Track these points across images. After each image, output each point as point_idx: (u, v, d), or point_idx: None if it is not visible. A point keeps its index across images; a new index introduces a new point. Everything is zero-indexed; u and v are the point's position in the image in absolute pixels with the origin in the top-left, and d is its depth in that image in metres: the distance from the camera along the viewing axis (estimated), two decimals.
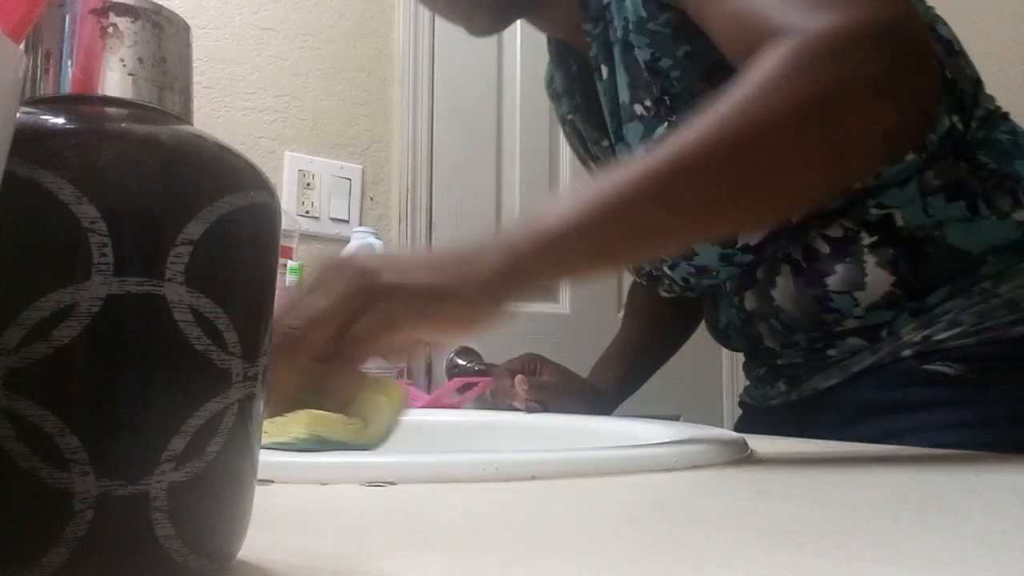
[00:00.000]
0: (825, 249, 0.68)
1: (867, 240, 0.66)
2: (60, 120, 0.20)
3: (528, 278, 0.49)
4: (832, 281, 0.68)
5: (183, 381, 0.20)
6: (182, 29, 0.23)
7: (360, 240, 1.35)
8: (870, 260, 0.66)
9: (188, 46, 0.24)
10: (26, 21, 0.19)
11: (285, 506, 0.35)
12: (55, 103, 0.21)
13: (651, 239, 0.53)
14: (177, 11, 0.23)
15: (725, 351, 1.17)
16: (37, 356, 0.19)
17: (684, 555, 0.27)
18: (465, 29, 0.78)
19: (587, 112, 0.83)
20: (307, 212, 1.50)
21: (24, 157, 0.19)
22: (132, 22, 0.22)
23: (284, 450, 0.46)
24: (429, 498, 0.37)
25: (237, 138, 1.43)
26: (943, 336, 0.65)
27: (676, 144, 0.49)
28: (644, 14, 0.67)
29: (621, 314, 1.14)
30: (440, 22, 1.52)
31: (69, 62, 0.21)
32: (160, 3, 0.22)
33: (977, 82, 0.71)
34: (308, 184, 1.51)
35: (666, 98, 0.68)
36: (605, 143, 0.80)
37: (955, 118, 0.67)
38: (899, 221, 0.66)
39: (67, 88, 0.21)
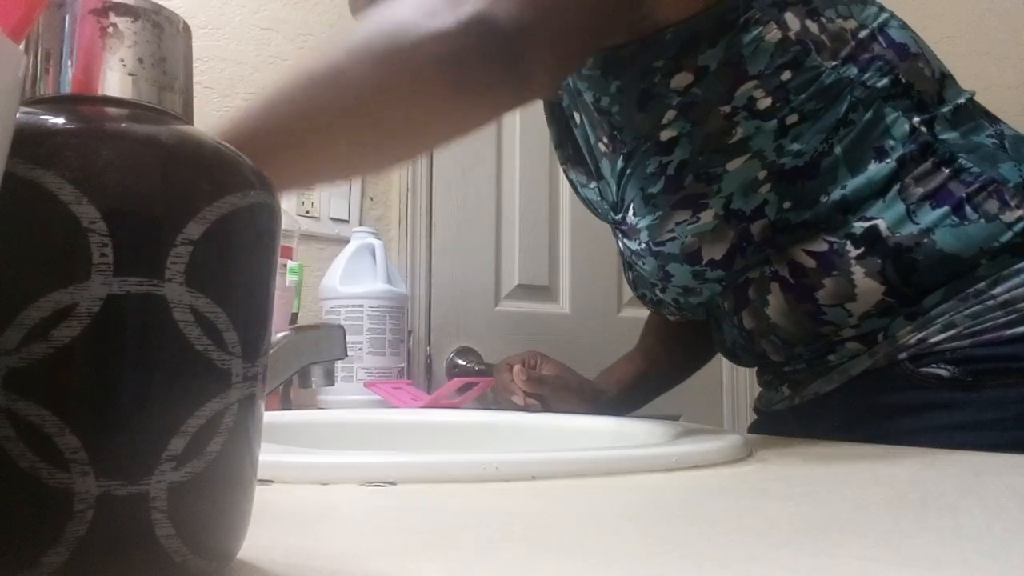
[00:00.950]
0: (811, 263, 0.68)
1: (853, 252, 0.67)
2: (60, 120, 0.20)
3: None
4: (822, 295, 0.68)
5: (183, 381, 0.20)
6: (182, 29, 0.23)
7: (360, 240, 1.35)
8: (858, 272, 0.66)
9: (188, 46, 0.24)
10: (26, 21, 0.19)
11: (285, 506, 0.35)
12: (55, 103, 0.21)
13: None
14: (177, 11, 0.23)
15: None
16: (37, 356, 0.19)
17: (684, 555, 0.27)
18: None
19: (575, 161, 0.87)
20: (307, 212, 1.50)
21: (24, 157, 0.19)
22: (132, 22, 0.22)
23: None
24: (429, 498, 0.37)
25: None
26: (938, 339, 0.65)
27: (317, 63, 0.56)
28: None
29: (621, 314, 1.14)
30: None
31: (69, 62, 0.21)
32: (160, 3, 0.22)
33: (942, 79, 0.71)
34: None
35: (616, 132, 0.72)
36: (592, 185, 0.84)
37: (915, 120, 0.67)
38: (885, 232, 0.66)
39: (67, 88, 0.21)
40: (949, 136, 0.68)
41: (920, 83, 0.69)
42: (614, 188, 0.76)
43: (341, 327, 0.99)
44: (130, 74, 0.22)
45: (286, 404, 1.08)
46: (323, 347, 0.92)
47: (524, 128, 1.73)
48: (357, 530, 0.31)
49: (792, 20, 0.67)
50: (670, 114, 0.68)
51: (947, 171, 0.67)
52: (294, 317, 1.19)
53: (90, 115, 0.21)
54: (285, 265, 1.19)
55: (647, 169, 0.71)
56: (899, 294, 0.66)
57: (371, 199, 1.59)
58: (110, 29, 0.22)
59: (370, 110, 0.56)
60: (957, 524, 0.32)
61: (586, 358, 1.06)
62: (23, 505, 0.19)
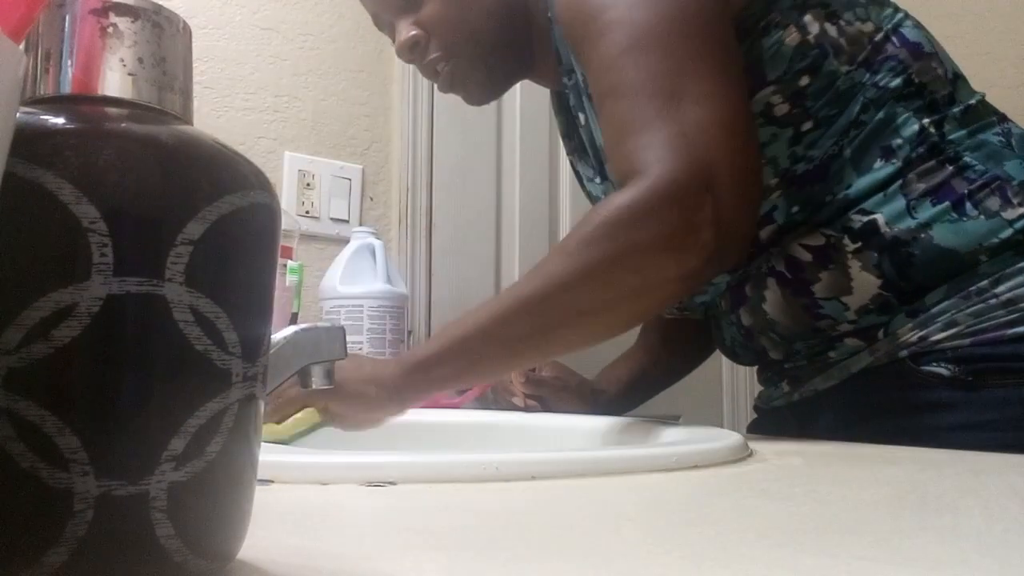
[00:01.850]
0: (807, 257, 0.68)
1: (850, 246, 0.67)
2: (60, 120, 0.20)
3: (412, 393, 0.71)
4: (818, 289, 0.68)
5: (183, 381, 0.20)
6: (182, 29, 0.23)
7: (360, 240, 1.35)
8: (854, 265, 0.67)
9: (188, 46, 0.24)
10: (26, 21, 0.19)
11: (285, 506, 0.35)
12: (55, 103, 0.21)
13: (490, 365, 0.70)
14: (177, 11, 0.23)
15: None
16: (37, 356, 0.18)
17: (684, 555, 0.27)
18: (465, 100, 0.86)
19: (581, 152, 0.87)
20: (307, 212, 1.50)
21: (24, 157, 0.19)
22: (132, 22, 0.22)
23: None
24: (429, 498, 0.37)
25: (237, 138, 1.43)
26: (939, 337, 0.65)
27: (506, 295, 0.66)
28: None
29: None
30: None
31: (69, 62, 0.21)
32: (160, 3, 0.22)
33: (954, 80, 0.71)
34: (308, 184, 1.51)
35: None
36: (597, 180, 0.84)
37: (925, 121, 0.67)
38: (882, 226, 0.66)
39: (67, 88, 0.21)
40: (957, 135, 0.68)
41: (933, 83, 0.69)
42: None
43: (341, 327, 0.98)
44: (130, 74, 0.22)
45: None
46: (323, 347, 0.92)
47: (524, 128, 1.73)
48: (357, 530, 0.31)
49: (811, 23, 0.67)
50: None
51: (951, 168, 0.67)
52: (294, 317, 1.19)
53: (90, 115, 0.21)
54: (285, 265, 1.19)
55: None
56: (896, 288, 0.66)
57: (371, 199, 1.59)
58: (110, 29, 0.22)
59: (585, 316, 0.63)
60: (957, 524, 0.32)
61: (586, 358, 1.06)
62: (23, 505, 0.19)
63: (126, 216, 0.19)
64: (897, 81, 0.67)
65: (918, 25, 0.72)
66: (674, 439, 0.59)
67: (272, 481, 0.39)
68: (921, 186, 0.66)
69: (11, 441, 0.18)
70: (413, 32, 0.80)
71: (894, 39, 0.69)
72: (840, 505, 0.37)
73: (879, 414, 0.69)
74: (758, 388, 0.89)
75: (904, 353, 0.67)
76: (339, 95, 1.58)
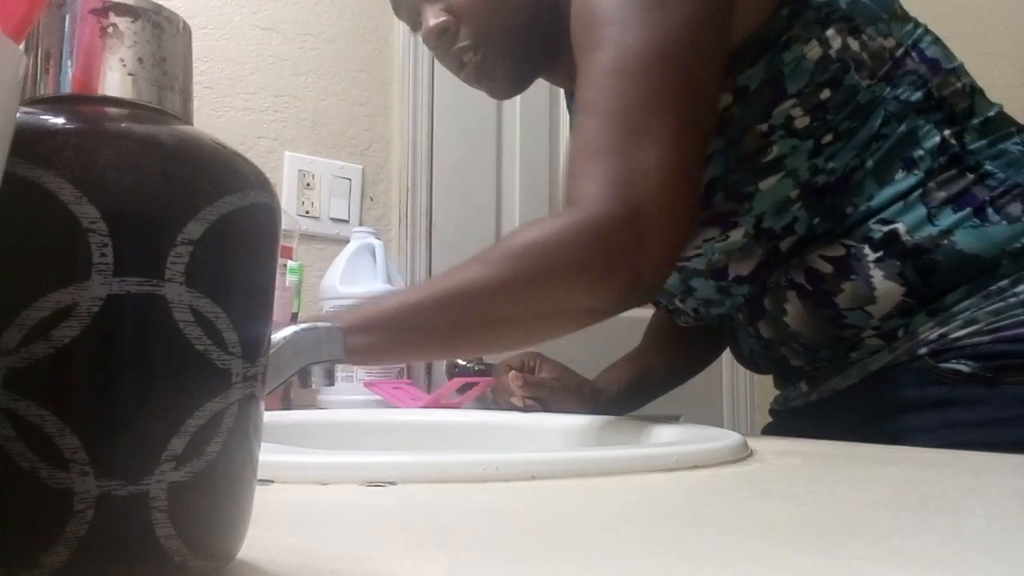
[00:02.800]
0: (827, 269, 0.68)
1: (871, 256, 0.67)
2: (60, 120, 0.20)
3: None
4: (841, 300, 0.68)
5: (183, 381, 0.20)
6: (182, 29, 0.23)
7: (360, 240, 1.35)
8: (877, 275, 0.67)
9: (188, 46, 0.24)
10: (26, 21, 0.19)
11: (285, 506, 0.35)
12: (55, 103, 0.21)
13: (406, 349, 0.72)
14: (177, 11, 0.23)
15: (725, 352, 1.17)
16: (37, 356, 0.18)
17: (684, 555, 0.27)
18: (488, 94, 0.85)
19: None
20: (307, 212, 1.50)
21: (24, 157, 0.19)
22: (132, 22, 0.22)
23: None
24: (429, 498, 0.37)
25: (237, 138, 1.43)
26: (959, 334, 0.66)
27: (427, 288, 0.69)
28: None
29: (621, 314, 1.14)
30: None
31: (69, 62, 0.21)
32: (160, 3, 0.22)
33: (972, 93, 0.71)
34: (308, 184, 1.51)
35: None
36: None
37: (946, 133, 0.68)
38: (903, 234, 0.66)
39: (67, 88, 0.21)
40: (977, 145, 0.69)
41: (952, 97, 0.70)
42: None
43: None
44: (130, 74, 0.22)
45: (286, 404, 1.08)
46: (323, 347, 0.91)
47: (524, 128, 1.73)
48: (357, 530, 0.31)
49: (834, 37, 0.67)
50: None
51: (972, 176, 0.68)
52: (294, 317, 1.19)
53: (90, 115, 0.21)
54: (285, 265, 1.19)
55: None
56: (919, 294, 0.67)
57: (371, 199, 1.59)
58: (110, 29, 0.22)
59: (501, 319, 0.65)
60: (957, 524, 0.32)
61: (586, 358, 1.06)
62: (23, 505, 0.19)
63: (126, 216, 0.19)
64: (918, 95, 0.68)
65: (937, 41, 0.73)
66: (674, 439, 0.59)
67: (272, 481, 0.39)
68: (942, 194, 0.67)
69: (11, 441, 0.18)
70: (443, 18, 0.78)
71: (913, 55, 0.70)
72: (840, 505, 0.37)
73: (898, 411, 0.69)
74: (759, 389, 0.89)
75: (924, 351, 0.67)
76: (339, 95, 1.58)
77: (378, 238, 1.37)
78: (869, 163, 0.67)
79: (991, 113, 0.71)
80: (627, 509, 0.37)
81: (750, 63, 0.66)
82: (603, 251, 0.61)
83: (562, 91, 1.01)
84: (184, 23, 0.23)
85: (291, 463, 0.41)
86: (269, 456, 0.39)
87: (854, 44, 0.67)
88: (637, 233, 0.61)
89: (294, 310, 1.19)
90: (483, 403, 1.16)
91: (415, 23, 0.83)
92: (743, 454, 0.53)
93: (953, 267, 0.66)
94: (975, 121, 0.70)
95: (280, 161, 1.50)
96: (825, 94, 0.66)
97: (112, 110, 0.22)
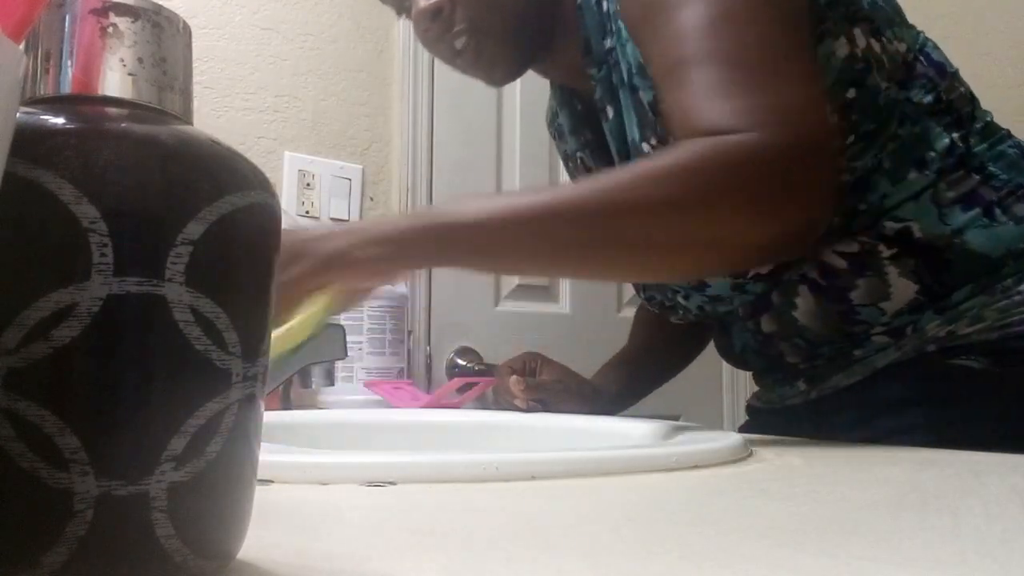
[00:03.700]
0: (842, 264, 0.68)
1: (886, 253, 0.67)
2: (60, 120, 0.20)
3: (414, 253, 0.63)
4: (856, 295, 0.68)
5: (183, 381, 0.20)
6: (182, 29, 0.23)
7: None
8: (892, 271, 0.67)
9: (188, 46, 0.24)
10: (26, 21, 0.19)
11: (285, 506, 0.35)
12: (55, 103, 0.21)
13: (520, 259, 0.64)
14: (177, 11, 0.23)
15: None
16: (37, 356, 0.18)
17: (684, 555, 0.27)
18: (484, 82, 0.82)
19: (596, 147, 0.85)
20: (307, 212, 1.50)
21: (24, 157, 0.19)
22: (132, 22, 0.22)
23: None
24: (429, 498, 0.37)
25: (237, 138, 1.43)
26: (967, 331, 0.66)
27: (570, 192, 0.61)
28: (642, 59, 0.69)
29: (621, 314, 1.14)
30: None
31: (69, 62, 0.21)
32: (160, 3, 0.22)
33: (972, 99, 0.73)
34: (308, 184, 1.51)
35: (672, 137, 0.69)
36: None
37: (955, 135, 0.69)
38: (917, 233, 0.67)
39: (67, 88, 0.21)
40: (980, 148, 0.70)
41: (958, 101, 0.71)
42: None
43: (341, 327, 0.99)
44: (130, 74, 0.22)
45: (286, 404, 1.08)
46: (323, 347, 0.92)
47: (524, 127, 1.73)
48: (357, 530, 0.31)
49: (860, 36, 0.67)
50: None
51: (978, 177, 0.69)
52: None
53: (90, 115, 0.21)
54: None
55: None
56: (931, 292, 0.67)
57: (371, 199, 1.59)
58: (110, 29, 0.22)
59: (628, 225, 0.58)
60: (957, 524, 0.32)
61: (586, 358, 1.06)
62: (23, 505, 0.19)
63: (126, 216, 0.19)
64: (929, 98, 0.69)
65: (936, 47, 0.73)
66: (674, 439, 0.59)
67: (272, 481, 0.39)
68: (951, 194, 0.68)
69: (11, 441, 0.18)
70: None
71: (922, 59, 0.71)
72: (840, 505, 0.37)
73: (904, 408, 0.70)
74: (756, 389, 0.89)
75: (932, 347, 0.68)
76: (339, 95, 1.58)
77: None
78: (885, 163, 0.68)
79: (988, 119, 0.72)
80: (627, 509, 0.37)
81: None
82: (772, 179, 0.56)
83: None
84: (184, 23, 0.23)
85: (291, 463, 0.41)
86: (269, 456, 0.39)
87: (876, 45, 0.68)
88: (804, 165, 0.56)
89: None
90: (483, 403, 1.16)
91: (401, 6, 0.80)
92: (743, 454, 0.53)
93: (964, 266, 0.67)
94: (977, 125, 0.71)
95: (280, 161, 1.51)
96: (851, 93, 0.66)
97: (112, 110, 0.22)
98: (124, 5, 0.22)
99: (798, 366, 0.77)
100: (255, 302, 0.22)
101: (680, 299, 0.79)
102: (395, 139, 1.63)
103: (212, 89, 1.45)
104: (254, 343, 0.22)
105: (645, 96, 0.70)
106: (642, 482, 0.43)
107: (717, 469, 0.48)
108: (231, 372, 0.21)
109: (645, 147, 0.73)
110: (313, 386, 1.10)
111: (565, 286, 1.74)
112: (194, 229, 0.20)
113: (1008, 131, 0.74)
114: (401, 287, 1.35)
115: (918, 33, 0.73)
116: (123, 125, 0.21)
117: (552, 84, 0.91)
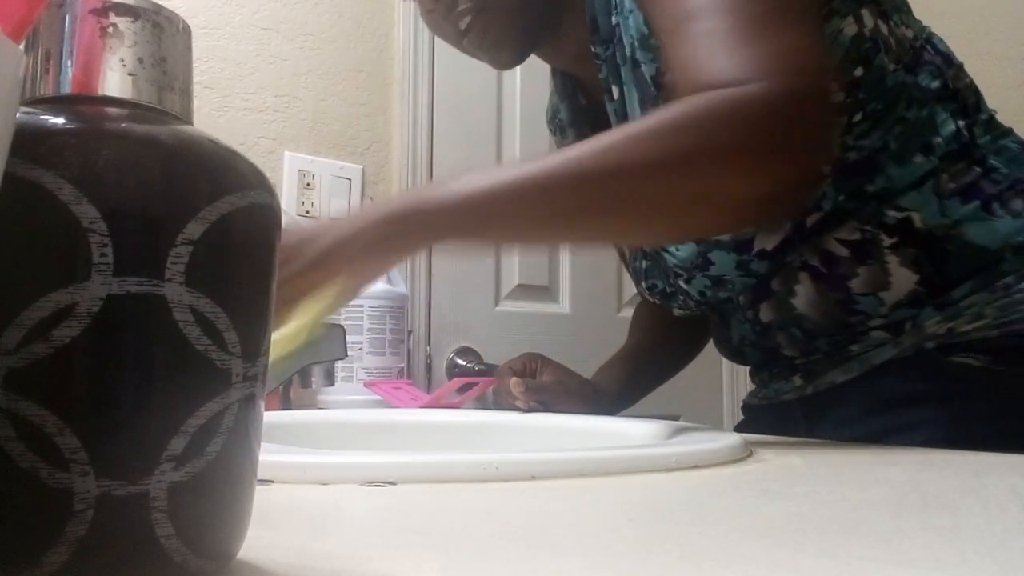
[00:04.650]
0: (843, 252, 0.68)
1: (887, 241, 0.67)
2: (60, 120, 0.20)
3: (408, 238, 0.61)
4: (856, 284, 0.68)
5: (183, 381, 0.20)
6: (182, 29, 0.23)
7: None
8: (893, 260, 0.67)
9: (188, 46, 0.24)
10: (26, 21, 0.19)
11: (285, 506, 0.35)
12: (55, 103, 0.21)
13: (527, 228, 0.62)
14: (177, 11, 0.23)
15: None
16: (37, 356, 0.19)
17: (684, 555, 0.27)
18: (489, 64, 0.81)
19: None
20: (307, 212, 1.50)
21: (24, 157, 0.19)
22: (132, 22, 0.22)
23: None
24: (429, 498, 0.37)
25: (237, 138, 1.43)
26: (967, 328, 0.67)
27: (570, 156, 0.57)
28: (645, 30, 0.69)
29: (621, 314, 1.14)
30: None
31: (69, 62, 0.21)
32: (160, 3, 0.22)
33: (977, 92, 0.73)
34: (308, 184, 1.52)
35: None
36: None
37: (960, 123, 0.69)
38: (918, 223, 0.67)
39: (67, 88, 0.21)
40: (983, 140, 0.70)
41: (964, 90, 0.71)
42: None
43: (341, 327, 0.99)
44: (130, 74, 0.22)
45: (286, 404, 1.08)
46: (323, 347, 0.92)
47: (524, 127, 1.73)
48: (357, 530, 0.31)
49: (867, 17, 0.67)
50: None
51: (979, 170, 0.69)
52: None
53: (90, 115, 0.21)
54: None
55: None
56: (930, 283, 0.67)
57: (371, 199, 1.59)
58: (110, 29, 0.22)
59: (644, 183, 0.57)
60: (957, 524, 0.32)
61: (586, 358, 1.06)
62: (23, 505, 0.19)
63: (126, 216, 0.19)
64: (936, 83, 0.69)
65: (942, 40, 0.74)
66: (674, 439, 0.59)
67: (272, 481, 0.39)
68: (952, 186, 0.68)
69: (11, 441, 0.18)
70: None
71: (929, 48, 0.71)
72: (840, 505, 0.37)
73: (903, 404, 0.69)
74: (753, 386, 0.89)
75: (931, 344, 0.68)
76: (339, 95, 1.58)
77: None
78: (893, 145, 0.68)
79: (992, 112, 0.73)
80: (627, 509, 0.37)
81: None
82: (768, 128, 0.54)
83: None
84: (184, 23, 0.23)
85: (291, 463, 0.41)
86: (269, 456, 0.39)
87: (883, 27, 0.68)
88: (803, 113, 0.55)
89: None
90: (483, 403, 1.16)
91: None
92: (743, 454, 0.53)
93: (963, 258, 0.67)
94: (983, 116, 0.71)
95: (280, 161, 1.51)
96: (859, 72, 0.66)
97: (112, 110, 0.22)
98: (124, 5, 0.22)
99: (794, 360, 0.77)
100: (255, 302, 0.22)
101: (682, 283, 0.78)
102: (395, 139, 1.63)
103: (212, 89, 1.45)
104: (254, 343, 0.22)
105: (648, 70, 0.70)
106: (642, 482, 0.43)
107: (717, 469, 0.48)
108: (231, 372, 0.21)
109: None
110: (313, 386, 1.10)
111: (565, 286, 1.74)
112: (194, 229, 0.20)
113: (1011, 128, 0.74)
114: (401, 287, 1.35)
115: (924, 26, 0.73)
116: (123, 125, 0.21)
117: (554, 75, 0.90)
